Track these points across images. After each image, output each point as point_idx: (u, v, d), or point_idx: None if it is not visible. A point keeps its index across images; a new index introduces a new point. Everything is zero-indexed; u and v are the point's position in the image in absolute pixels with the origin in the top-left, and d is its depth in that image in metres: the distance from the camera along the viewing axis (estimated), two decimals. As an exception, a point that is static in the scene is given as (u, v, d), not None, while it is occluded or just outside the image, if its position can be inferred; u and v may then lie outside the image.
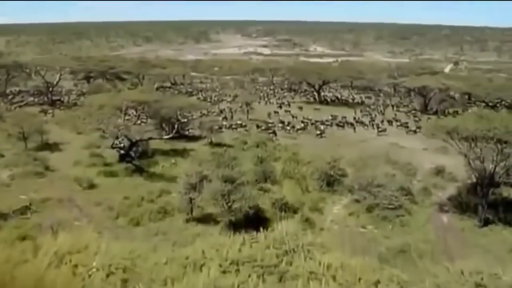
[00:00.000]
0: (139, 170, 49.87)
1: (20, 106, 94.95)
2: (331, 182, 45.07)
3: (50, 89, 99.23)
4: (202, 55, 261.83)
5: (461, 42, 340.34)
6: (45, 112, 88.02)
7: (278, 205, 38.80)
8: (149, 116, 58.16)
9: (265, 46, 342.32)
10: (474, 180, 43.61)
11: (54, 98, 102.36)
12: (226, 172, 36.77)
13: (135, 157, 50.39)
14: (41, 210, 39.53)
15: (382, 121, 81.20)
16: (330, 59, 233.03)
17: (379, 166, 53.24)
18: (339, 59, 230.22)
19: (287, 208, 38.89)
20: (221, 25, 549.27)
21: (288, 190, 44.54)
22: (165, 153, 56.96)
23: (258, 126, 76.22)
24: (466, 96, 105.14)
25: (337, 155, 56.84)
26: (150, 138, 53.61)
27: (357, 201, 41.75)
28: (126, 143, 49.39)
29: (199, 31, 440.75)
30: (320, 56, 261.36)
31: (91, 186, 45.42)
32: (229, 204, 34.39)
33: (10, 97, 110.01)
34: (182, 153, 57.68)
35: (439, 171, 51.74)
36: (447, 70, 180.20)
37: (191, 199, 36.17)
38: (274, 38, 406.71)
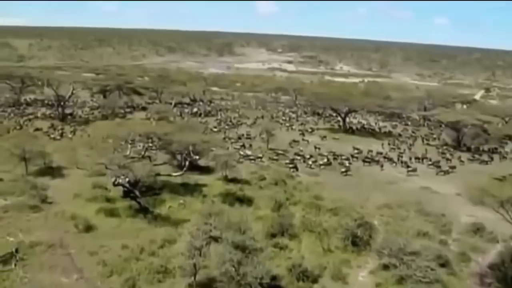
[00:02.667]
0: (143, 210, 44.99)
1: (30, 120, 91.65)
2: (357, 241, 39.69)
3: (62, 103, 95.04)
4: (225, 69, 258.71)
5: (493, 66, 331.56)
6: (54, 128, 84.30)
7: (296, 272, 33.62)
8: (158, 148, 53.13)
9: (290, 62, 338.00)
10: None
11: (67, 112, 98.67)
12: (237, 238, 31.66)
13: (140, 195, 45.27)
14: (28, 259, 34.88)
15: (411, 158, 75.51)
16: (356, 79, 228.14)
17: (410, 219, 48.11)
18: (366, 80, 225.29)
19: (305, 277, 33.66)
20: (246, 37, 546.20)
21: (308, 248, 39.34)
22: (174, 188, 51.87)
23: (278, 159, 71.51)
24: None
25: (363, 201, 52.36)
26: (158, 175, 48.84)
27: (386, 267, 36.32)
28: (131, 177, 44.37)
29: (222, 43, 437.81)
30: (346, 75, 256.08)
31: (88, 228, 40.62)
32: (239, 276, 29.34)
33: (22, 107, 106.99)
34: (193, 189, 52.53)
35: (477, 229, 46.09)
36: (478, 96, 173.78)
37: (195, 265, 31.07)
38: (299, 54, 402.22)
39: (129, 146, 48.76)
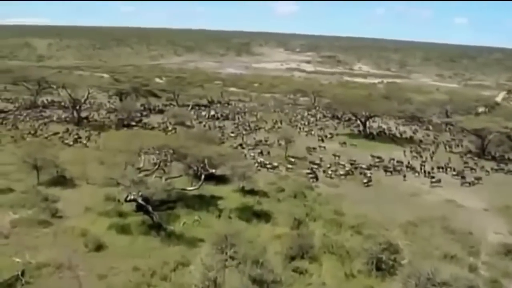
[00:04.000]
0: (156, 227, 43.07)
1: (45, 124, 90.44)
2: (381, 266, 37.30)
3: (77, 107, 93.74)
4: (243, 69, 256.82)
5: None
6: (69, 133, 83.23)
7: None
8: (173, 159, 51.05)
9: (308, 62, 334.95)
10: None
11: (82, 115, 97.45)
12: (254, 271, 29.56)
13: (154, 209, 43.28)
14: (34, 282, 33.18)
15: (433, 169, 72.41)
16: (375, 80, 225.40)
17: (435, 237, 45.69)
18: (385, 80, 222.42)
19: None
20: (264, 37, 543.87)
21: (329, 273, 37.04)
22: (189, 201, 49.86)
23: (296, 167, 69.37)
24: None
25: (386, 217, 50.06)
26: (173, 189, 46.85)
27: (413, 295, 33.96)
28: (145, 193, 42.29)
29: (240, 43, 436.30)
30: (365, 76, 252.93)
31: (98, 247, 38.71)
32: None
33: (39, 109, 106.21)
34: (209, 203, 50.53)
35: (508, 251, 43.46)
36: (499, 98, 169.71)
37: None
38: (318, 54, 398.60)
39: (142, 158, 46.77)
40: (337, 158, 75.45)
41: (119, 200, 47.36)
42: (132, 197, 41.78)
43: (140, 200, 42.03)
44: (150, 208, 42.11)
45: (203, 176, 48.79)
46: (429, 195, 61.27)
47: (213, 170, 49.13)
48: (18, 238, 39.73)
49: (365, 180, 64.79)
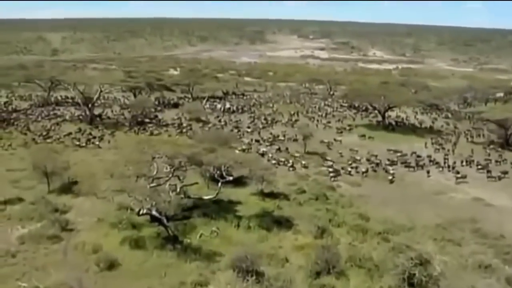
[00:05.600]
0: (172, 239, 40.65)
1: (58, 123, 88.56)
2: (413, 281, 34.39)
3: (90, 105, 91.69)
4: (257, 58, 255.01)
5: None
6: (82, 133, 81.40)
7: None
8: (187, 168, 48.39)
9: (322, 49, 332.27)
10: None
11: (95, 112, 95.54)
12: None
13: (169, 219, 40.76)
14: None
15: (455, 163, 68.74)
16: (390, 66, 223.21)
17: (466, 242, 42.90)
18: (399, 66, 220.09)
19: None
20: (277, 24, 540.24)
21: (357, 291, 34.52)
22: (205, 208, 47.00)
23: (316, 164, 66.86)
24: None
25: (412, 220, 47.33)
26: (188, 197, 44.48)
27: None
28: (160, 201, 39.62)
29: (254, 31, 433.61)
30: (379, 62, 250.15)
31: (111, 265, 36.26)
32: None
33: (51, 107, 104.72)
34: (226, 209, 47.92)
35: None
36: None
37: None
38: (332, 40, 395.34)
39: (155, 166, 44.30)
40: (357, 153, 72.60)
41: (132, 209, 44.77)
42: (144, 211, 39.27)
43: (154, 212, 39.52)
44: (164, 220, 39.65)
45: (220, 184, 46.15)
46: (455, 192, 58.18)
47: (230, 178, 46.45)
48: (26, 257, 37.51)
49: (388, 178, 61.94)
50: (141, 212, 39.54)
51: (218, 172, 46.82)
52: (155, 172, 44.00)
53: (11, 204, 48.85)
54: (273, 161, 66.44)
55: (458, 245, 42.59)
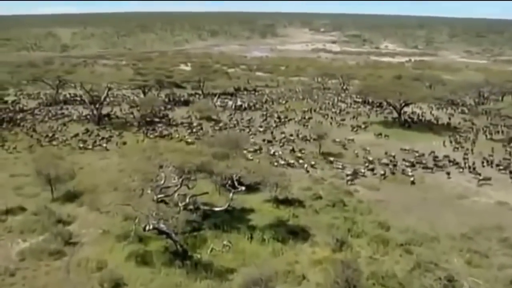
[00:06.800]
0: (181, 254, 38.03)
1: (65, 124, 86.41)
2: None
3: (97, 105, 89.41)
4: (268, 52, 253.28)
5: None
6: (89, 134, 79.41)
7: None
8: (196, 178, 45.62)
9: (333, 42, 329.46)
10: None
11: (104, 111, 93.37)
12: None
13: (177, 235, 38.04)
14: None
15: (474, 163, 65.16)
16: (403, 59, 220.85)
17: (494, 253, 40.16)
18: (412, 59, 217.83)
19: None
20: (287, 17, 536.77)
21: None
22: (216, 218, 44.27)
23: (331, 166, 64.12)
24: None
25: (435, 229, 44.53)
26: (197, 208, 41.79)
27: None
28: (168, 217, 36.86)
29: (265, 24, 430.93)
30: (392, 55, 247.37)
31: (115, 285, 33.68)
32: None
33: (59, 106, 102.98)
34: (239, 219, 45.23)
35: None
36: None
37: None
38: (343, 33, 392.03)
39: (163, 175, 41.63)
40: (374, 154, 69.66)
41: (139, 221, 42.06)
42: (151, 227, 36.63)
43: (161, 225, 36.86)
44: (173, 235, 37.07)
45: (231, 195, 43.46)
46: (478, 196, 55.12)
47: (243, 188, 43.69)
48: (25, 276, 35.08)
49: (407, 180, 59.03)
50: (147, 229, 36.83)
51: (229, 181, 44.03)
52: (162, 182, 41.29)
53: (13, 214, 46.70)
54: (286, 163, 63.96)
55: (485, 256, 39.77)
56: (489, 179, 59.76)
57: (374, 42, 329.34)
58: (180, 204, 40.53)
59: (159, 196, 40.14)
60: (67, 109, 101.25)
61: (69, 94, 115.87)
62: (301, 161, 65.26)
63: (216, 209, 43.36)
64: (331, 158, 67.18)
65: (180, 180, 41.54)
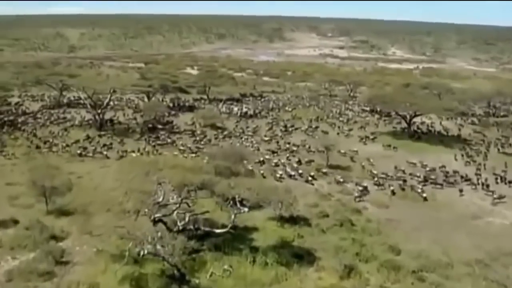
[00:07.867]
0: (178, 279, 35.65)
1: (66, 129, 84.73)
2: None
3: (99, 110, 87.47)
4: (275, 56, 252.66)
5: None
6: (90, 141, 77.69)
7: None
8: (197, 197, 43.14)
9: (341, 47, 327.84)
10: None
11: (107, 116, 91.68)
12: None
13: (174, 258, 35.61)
14: None
15: (486, 180, 62.45)
16: (411, 66, 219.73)
17: (511, 282, 37.62)
18: (420, 66, 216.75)
19: None
20: (294, 21, 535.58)
21: None
22: (217, 238, 41.64)
23: (339, 179, 61.68)
24: None
25: (449, 254, 42.10)
26: (198, 229, 39.53)
27: None
28: (165, 244, 34.48)
29: (272, 28, 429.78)
30: (400, 61, 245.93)
31: (107, 315, 31.54)
32: None
33: (62, 110, 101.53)
34: (240, 239, 42.82)
35: None
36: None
37: None
38: (350, 38, 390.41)
39: (161, 192, 39.29)
40: (383, 167, 67.17)
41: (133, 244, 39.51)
42: (145, 252, 34.27)
43: (158, 248, 34.47)
44: (170, 259, 34.67)
45: (233, 216, 40.99)
46: (492, 216, 52.49)
47: (246, 209, 41.22)
48: (12, 301, 32.98)
49: (417, 198, 56.63)
50: (141, 254, 34.47)
51: (232, 202, 41.63)
52: (160, 199, 39.00)
53: (5, 227, 44.44)
54: (292, 177, 61.83)
55: (503, 286, 37.36)
56: (504, 197, 57.29)
57: (381, 48, 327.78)
58: (179, 224, 38.20)
59: (156, 215, 37.82)
60: (69, 113, 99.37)
61: (73, 97, 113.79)
62: (307, 174, 62.82)
63: (218, 230, 40.97)
64: (339, 171, 64.98)
65: (180, 199, 39.15)
